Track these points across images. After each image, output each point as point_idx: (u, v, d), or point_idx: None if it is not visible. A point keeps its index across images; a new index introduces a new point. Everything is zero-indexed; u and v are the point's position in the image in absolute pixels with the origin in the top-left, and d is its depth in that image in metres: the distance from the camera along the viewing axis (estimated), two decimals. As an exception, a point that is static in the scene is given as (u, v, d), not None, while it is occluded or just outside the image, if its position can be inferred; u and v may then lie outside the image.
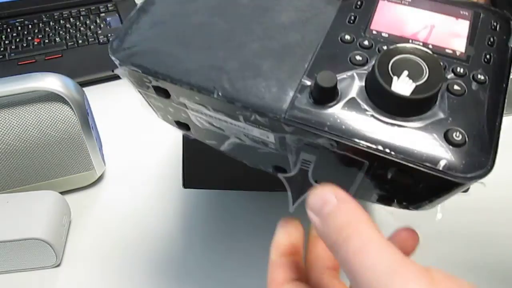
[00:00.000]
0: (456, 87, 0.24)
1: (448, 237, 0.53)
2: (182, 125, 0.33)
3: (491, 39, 0.26)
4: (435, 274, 0.21)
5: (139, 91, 0.31)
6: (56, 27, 0.84)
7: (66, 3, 0.88)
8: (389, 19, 0.27)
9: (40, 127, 0.51)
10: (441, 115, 0.23)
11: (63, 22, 0.85)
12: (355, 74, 0.25)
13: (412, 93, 0.22)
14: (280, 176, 0.28)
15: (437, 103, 0.24)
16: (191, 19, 0.28)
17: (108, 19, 0.86)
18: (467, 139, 0.23)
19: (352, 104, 0.24)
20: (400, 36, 0.26)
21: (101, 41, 0.81)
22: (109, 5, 0.89)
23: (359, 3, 0.28)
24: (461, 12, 0.27)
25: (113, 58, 0.31)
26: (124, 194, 0.58)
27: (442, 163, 0.23)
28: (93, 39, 0.81)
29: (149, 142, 0.65)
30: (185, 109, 0.30)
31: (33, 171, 0.53)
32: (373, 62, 0.24)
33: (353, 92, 0.24)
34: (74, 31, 0.83)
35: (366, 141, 0.23)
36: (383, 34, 0.27)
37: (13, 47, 0.79)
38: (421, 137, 0.23)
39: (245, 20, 0.27)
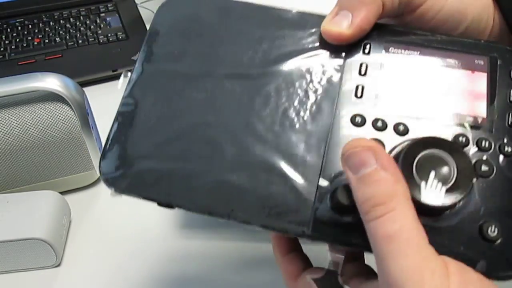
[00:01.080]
0: (483, 167, 0.22)
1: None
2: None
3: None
4: (450, 266, 0.20)
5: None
6: (56, 27, 0.84)
7: (66, 3, 0.88)
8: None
9: (40, 127, 0.51)
10: (472, 207, 0.21)
11: (63, 22, 0.85)
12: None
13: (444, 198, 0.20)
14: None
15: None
16: (183, 122, 0.25)
17: (108, 19, 0.86)
18: (503, 232, 0.21)
19: None
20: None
21: (101, 41, 0.81)
22: (109, 5, 0.89)
23: (363, 68, 0.23)
24: (476, 61, 0.23)
25: (108, 187, 0.27)
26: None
27: (480, 266, 0.20)
28: (93, 39, 0.81)
29: (149, 142, 0.65)
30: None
31: (33, 171, 0.53)
32: (392, 147, 0.22)
33: None
34: (74, 31, 0.83)
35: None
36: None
37: (13, 47, 0.79)
38: (456, 237, 0.20)
39: (243, 114, 0.24)
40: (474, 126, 0.22)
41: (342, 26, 0.22)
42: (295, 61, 0.24)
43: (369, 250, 0.21)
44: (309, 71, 0.24)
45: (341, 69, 0.23)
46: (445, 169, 0.20)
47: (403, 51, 0.23)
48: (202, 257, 0.51)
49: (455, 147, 0.20)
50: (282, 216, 0.22)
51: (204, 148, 0.24)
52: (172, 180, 0.24)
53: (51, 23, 0.85)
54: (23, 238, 0.46)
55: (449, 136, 0.22)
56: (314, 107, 0.24)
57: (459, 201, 0.20)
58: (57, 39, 0.81)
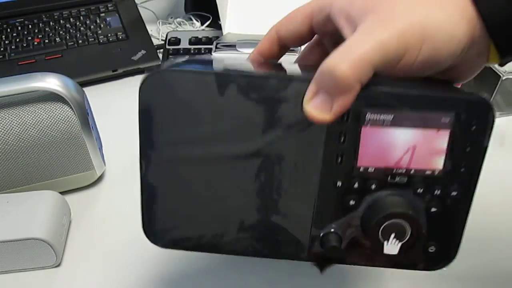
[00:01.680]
0: (433, 209, 0.29)
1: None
2: None
3: (468, 148, 0.27)
4: None
5: None
6: (56, 27, 0.84)
7: (66, 3, 0.88)
8: (374, 150, 0.27)
9: (40, 127, 0.51)
10: (421, 233, 0.28)
11: (63, 22, 0.85)
12: (351, 220, 0.29)
13: (399, 250, 0.29)
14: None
15: None
16: (198, 200, 0.31)
17: (108, 19, 0.86)
18: (440, 248, 0.30)
19: (353, 244, 0.30)
20: (385, 167, 0.28)
21: (101, 41, 0.81)
22: (109, 5, 0.89)
23: (342, 138, 0.27)
24: (442, 120, 0.26)
25: (155, 244, 0.36)
26: (124, 194, 0.58)
27: (420, 267, 0.30)
28: (93, 39, 0.81)
29: (149, 142, 0.65)
30: None
31: (33, 171, 0.53)
32: (365, 203, 0.29)
33: (354, 233, 0.29)
34: (74, 31, 0.83)
35: (373, 265, 0.30)
36: (370, 170, 0.28)
37: (13, 47, 0.79)
38: (404, 256, 0.29)
39: (245, 188, 0.29)
40: (431, 177, 0.28)
41: (324, 113, 0.25)
42: (280, 133, 0.27)
43: (345, 263, 0.31)
44: (295, 142, 0.28)
45: (324, 138, 0.27)
46: (401, 230, 0.28)
47: (378, 116, 0.27)
48: (203, 258, 0.51)
49: (410, 216, 0.27)
50: (286, 255, 0.31)
51: (219, 217, 0.31)
52: (200, 242, 0.33)
53: (51, 23, 0.85)
54: (23, 238, 0.46)
55: (410, 191, 0.28)
56: (303, 174, 0.28)
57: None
58: (57, 39, 0.81)
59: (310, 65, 0.30)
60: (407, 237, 0.28)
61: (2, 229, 0.47)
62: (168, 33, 0.82)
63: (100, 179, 0.59)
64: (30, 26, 0.84)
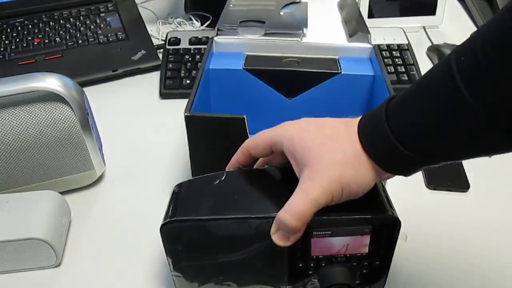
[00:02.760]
0: (364, 270, 0.43)
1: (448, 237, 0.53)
2: None
3: (383, 241, 0.41)
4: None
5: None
6: (56, 27, 0.84)
7: (66, 3, 0.88)
8: (321, 247, 0.41)
9: (40, 127, 0.51)
10: (357, 286, 0.43)
11: (63, 22, 0.85)
12: (311, 281, 0.43)
13: None
14: None
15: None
16: (211, 261, 0.43)
17: (108, 19, 0.86)
18: (371, 285, 0.44)
19: None
20: (330, 254, 0.41)
21: (101, 41, 0.81)
22: (109, 5, 0.89)
23: (300, 244, 0.39)
24: (364, 230, 0.40)
25: None
26: (124, 194, 0.58)
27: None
28: (93, 39, 0.81)
29: (149, 142, 0.65)
30: None
31: (33, 171, 0.53)
32: (320, 272, 0.42)
33: (314, 286, 0.43)
34: (74, 31, 0.83)
35: None
36: (320, 256, 0.41)
37: (13, 47, 0.80)
38: None
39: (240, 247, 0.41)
40: (361, 255, 0.41)
41: (284, 242, 0.38)
42: (260, 246, 0.41)
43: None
44: (270, 250, 0.40)
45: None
46: None
47: (321, 232, 0.40)
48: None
49: (348, 284, 0.41)
50: None
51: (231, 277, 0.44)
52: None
53: (51, 23, 0.85)
54: (23, 238, 0.46)
55: (348, 263, 0.42)
56: (278, 261, 0.42)
57: None
58: (57, 39, 0.81)
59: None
60: None
61: (2, 229, 0.47)
62: (168, 33, 0.82)
63: (100, 179, 0.59)
64: (30, 26, 0.84)
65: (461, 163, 0.61)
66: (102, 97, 0.72)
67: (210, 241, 0.41)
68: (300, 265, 0.42)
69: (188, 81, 0.73)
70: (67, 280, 0.49)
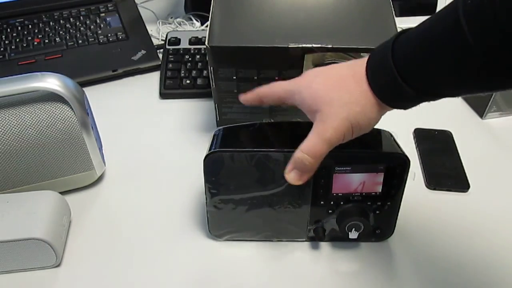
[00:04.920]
0: (377, 211, 0.49)
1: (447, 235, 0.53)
2: None
3: (395, 180, 0.47)
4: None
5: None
6: (56, 27, 0.84)
7: (66, 3, 0.88)
8: (341, 184, 0.47)
9: (40, 127, 0.51)
10: (369, 225, 0.49)
11: (63, 22, 0.85)
12: (330, 220, 0.50)
13: (358, 237, 0.49)
14: None
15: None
16: (240, 218, 0.51)
17: (108, 19, 0.86)
18: (382, 231, 0.51)
19: (332, 233, 0.51)
20: (348, 192, 0.48)
21: (101, 41, 0.81)
22: (109, 5, 0.89)
23: (322, 180, 0.47)
24: (379, 167, 0.46)
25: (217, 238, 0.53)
26: (124, 194, 0.58)
27: (372, 240, 0.53)
28: (93, 39, 0.81)
29: (149, 142, 0.65)
30: None
31: (33, 171, 0.53)
32: (338, 211, 0.49)
33: (332, 227, 0.51)
34: (74, 31, 0.83)
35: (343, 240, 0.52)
36: (339, 194, 0.48)
37: (13, 47, 0.79)
38: (362, 237, 0.50)
39: (268, 212, 0.50)
40: (374, 195, 0.48)
41: (297, 181, 0.43)
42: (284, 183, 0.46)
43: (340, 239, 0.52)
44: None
45: (312, 181, 0.47)
46: (358, 225, 0.48)
47: (342, 168, 0.46)
48: (202, 257, 0.51)
49: (362, 219, 0.48)
50: (292, 238, 0.53)
51: (252, 226, 0.51)
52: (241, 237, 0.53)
53: (51, 23, 0.85)
54: (23, 238, 0.46)
55: (363, 203, 0.49)
56: (302, 199, 0.48)
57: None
58: (57, 39, 0.81)
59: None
60: (362, 229, 0.49)
61: (2, 229, 0.47)
62: (168, 33, 0.82)
63: (100, 179, 0.59)
64: (30, 26, 0.84)
65: (461, 163, 0.61)
66: (102, 97, 0.72)
67: (245, 173, 0.47)
68: (322, 202, 0.48)
69: (188, 81, 0.73)
70: (67, 280, 0.49)
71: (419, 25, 0.38)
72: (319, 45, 0.53)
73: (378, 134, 0.49)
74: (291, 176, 0.43)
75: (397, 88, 0.38)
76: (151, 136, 0.66)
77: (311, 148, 0.41)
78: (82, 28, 0.83)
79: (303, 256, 0.51)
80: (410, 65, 0.37)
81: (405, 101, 0.40)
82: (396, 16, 0.56)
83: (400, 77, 0.37)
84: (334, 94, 0.40)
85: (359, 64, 0.41)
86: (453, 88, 0.38)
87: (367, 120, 0.41)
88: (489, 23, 0.31)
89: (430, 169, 0.60)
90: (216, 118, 0.63)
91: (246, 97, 0.48)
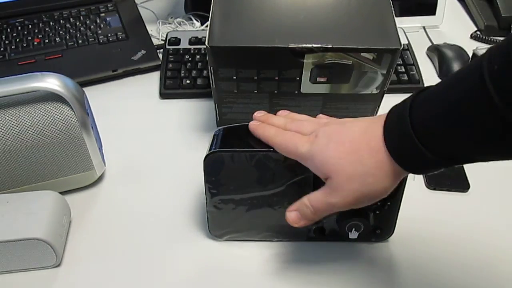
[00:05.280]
0: (377, 212, 0.49)
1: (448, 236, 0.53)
2: None
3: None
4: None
5: None
6: (56, 27, 0.84)
7: (66, 3, 0.88)
8: None
9: (40, 127, 0.51)
10: (370, 225, 0.49)
11: (63, 22, 0.85)
12: (330, 220, 0.50)
13: (358, 237, 0.49)
14: None
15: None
16: (242, 216, 0.51)
17: (108, 19, 0.86)
18: (383, 231, 0.51)
19: (332, 233, 0.51)
20: None
21: (101, 41, 0.81)
22: (109, 5, 0.89)
23: (324, 180, 0.43)
24: None
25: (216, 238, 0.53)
26: (124, 194, 0.58)
27: (373, 241, 0.53)
28: (93, 39, 0.81)
29: (149, 142, 0.65)
30: None
31: (33, 171, 0.53)
32: (337, 214, 0.48)
33: (332, 227, 0.51)
34: (74, 31, 0.83)
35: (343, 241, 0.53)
36: None
37: (13, 47, 0.79)
38: (362, 237, 0.50)
39: (270, 212, 0.50)
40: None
41: (295, 223, 0.43)
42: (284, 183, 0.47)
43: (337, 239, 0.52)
44: (297, 184, 0.47)
45: (312, 178, 0.46)
46: (359, 225, 0.48)
47: None
48: (202, 257, 0.51)
49: (362, 219, 0.47)
50: (293, 239, 0.53)
51: (253, 225, 0.51)
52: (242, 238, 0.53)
53: (51, 23, 0.85)
54: (23, 238, 0.46)
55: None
56: (301, 197, 0.44)
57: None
58: (57, 39, 0.81)
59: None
60: (362, 229, 0.48)
61: (2, 229, 0.47)
62: (168, 33, 0.82)
63: (100, 179, 0.59)
64: (30, 26, 0.84)
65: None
66: (102, 97, 0.72)
67: (245, 173, 0.47)
68: None
69: (188, 81, 0.73)
70: (67, 280, 0.49)
71: (437, 84, 0.36)
72: (319, 45, 0.53)
73: None
74: (291, 216, 0.43)
75: (419, 155, 0.36)
76: (151, 136, 0.66)
77: (314, 203, 0.41)
78: (82, 28, 0.83)
79: (303, 256, 0.51)
80: (431, 131, 0.35)
81: (431, 168, 0.37)
82: (396, 16, 0.55)
83: (421, 144, 0.35)
84: (347, 165, 0.39)
85: (375, 128, 0.39)
86: (483, 154, 0.35)
87: (382, 190, 0.39)
88: None
89: (430, 169, 0.60)
90: (216, 118, 0.63)
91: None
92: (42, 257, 0.48)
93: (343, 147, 0.40)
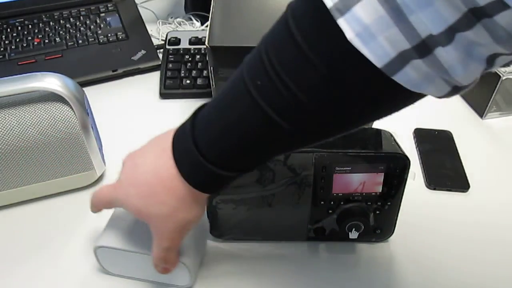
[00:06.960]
0: (377, 212, 0.49)
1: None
2: None
3: (395, 180, 0.47)
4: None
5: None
6: (56, 27, 0.84)
7: (66, 3, 0.88)
8: (341, 184, 0.47)
9: (40, 127, 0.51)
10: (370, 225, 0.49)
11: (63, 22, 0.85)
12: (330, 220, 0.50)
13: (358, 237, 0.49)
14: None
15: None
16: (243, 219, 0.51)
17: (108, 19, 0.86)
18: (383, 231, 0.51)
19: (332, 233, 0.51)
20: (348, 192, 0.48)
21: (101, 41, 0.81)
22: (109, 5, 0.89)
23: (323, 180, 0.47)
24: (379, 167, 0.46)
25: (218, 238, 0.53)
26: (124, 194, 0.58)
27: (372, 241, 0.53)
28: (93, 39, 0.81)
29: (149, 142, 0.65)
30: None
31: (33, 171, 0.53)
32: (338, 211, 0.49)
33: (332, 227, 0.51)
34: (74, 31, 0.83)
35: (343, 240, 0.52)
36: (339, 194, 0.48)
37: (13, 47, 0.79)
38: (363, 237, 0.50)
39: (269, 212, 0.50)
40: (375, 195, 0.48)
41: (164, 272, 0.45)
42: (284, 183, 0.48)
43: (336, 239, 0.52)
44: (295, 185, 0.48)
45: (312, 180, 0.47)
46: (359, 226, 0.48)
47: (342, 168, 0.46)
48: (203, 259, 0.51)
49: (362, 219, 0.48)
50: (292, 239, 0.53)
51: (252, 226, 0.51)
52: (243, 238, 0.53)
53: (51, 23, 0.85)
54: None
55: (363, 203, 0.49)
56: (303, 198, 0.48)
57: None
58: (57, 39, 0.81)
59: None
60: (362, 229, 0.49)
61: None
62: (168, 33, 0.82)
63: (100, 179, 0.59)
64: (30, 26, 0.84)
65: (461, 163, 0.61)
66: (102, 97, 0.72)
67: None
68: (322, 202, 0.49)
69: (188, 81, 0.73)
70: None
71: (214, 100, 0.37)
72: None
73: (378, 134, 0.48)
74: (159, 270, 0.44)
75: (217, 178, 0.37)
76: (151, 136, 0.66)
77: (157, 257, 0.42)
78: (82, 28, 0.83)
79: (303, 256, 0.51)
80: (217, 153, 0.36)
81: (231, 180, 0.38)
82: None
83: (215, 167, 0.36)
84: (153, 208, 0.39)
85: (163, 164, 0.38)
86: (269, 158, 0.38)
87: (195, 216, 0.41)
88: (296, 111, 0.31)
89: (430, 169, 0.60)
90: None
91: (92, 210, 0.48)
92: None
93: (142, 192, 0.40)
